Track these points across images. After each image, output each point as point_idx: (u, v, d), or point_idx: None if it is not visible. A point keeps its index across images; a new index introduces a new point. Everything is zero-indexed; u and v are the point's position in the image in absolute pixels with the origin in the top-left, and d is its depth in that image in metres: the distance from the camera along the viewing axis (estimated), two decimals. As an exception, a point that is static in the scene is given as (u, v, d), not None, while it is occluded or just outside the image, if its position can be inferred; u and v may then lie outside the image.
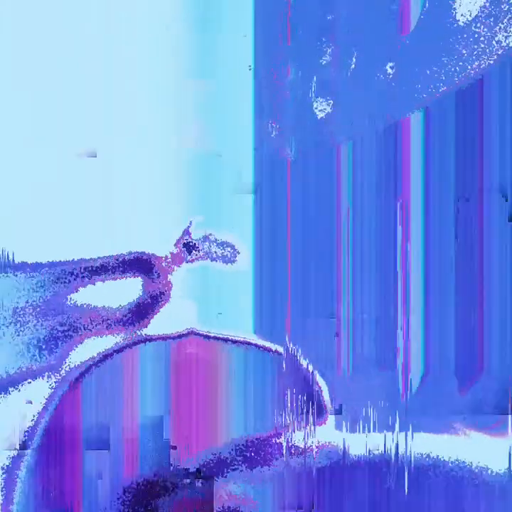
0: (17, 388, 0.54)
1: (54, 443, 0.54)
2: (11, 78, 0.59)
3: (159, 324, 0.56)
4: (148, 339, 0.55)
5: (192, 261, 0.54)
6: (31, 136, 0.59)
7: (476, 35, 0.52)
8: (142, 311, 0.54)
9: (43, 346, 0.54)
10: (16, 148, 0.58)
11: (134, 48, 0.62)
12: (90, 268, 0.54)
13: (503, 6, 0.52)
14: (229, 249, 0.54)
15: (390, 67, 0.54)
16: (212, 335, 0.55)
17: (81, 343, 0.54)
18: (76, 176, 0.58)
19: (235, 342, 0.54)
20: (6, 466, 0.53)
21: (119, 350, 0.54)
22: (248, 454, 0.53)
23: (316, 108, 0.55)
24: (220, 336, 0.54)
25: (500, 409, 0.53)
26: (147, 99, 0.61)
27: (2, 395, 0.54)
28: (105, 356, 0.55)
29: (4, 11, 0.58)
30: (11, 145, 0.59)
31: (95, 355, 0.54)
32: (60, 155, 0.59)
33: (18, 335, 0.54)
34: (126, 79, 0.60)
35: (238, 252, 0.54)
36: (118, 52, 0.60)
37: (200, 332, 0.54)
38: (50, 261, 0.55)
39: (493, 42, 0.52)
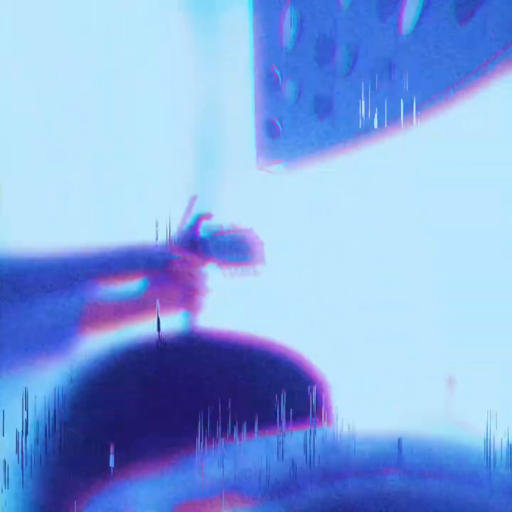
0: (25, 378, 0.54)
1: (58, 434, 0.55)
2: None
3: (165, 323, 0.56)
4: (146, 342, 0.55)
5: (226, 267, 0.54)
6: (33, 130, 0.59)
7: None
8: (148, 308, 0.54)
9: (53, 337, 0.54)
10: (19, 143, 0.58)
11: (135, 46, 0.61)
12: (102, 265, 0.55)
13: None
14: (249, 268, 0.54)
15: (391, 69, 0.54)
16: (215, 331, 0.55)
17: (89, 335, 0.54)
18: (77, 166, 0.58)
19: (239, 338, 0.55)
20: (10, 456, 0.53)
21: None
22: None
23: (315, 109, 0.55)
24: (224, 332, 0.55)
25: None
26: (147, 94, 0.61)
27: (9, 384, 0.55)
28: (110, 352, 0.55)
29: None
30: (15, 141, 0.59)
31: (101, 350, 0.55)
32: (62, 147, 0.59)
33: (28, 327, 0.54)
34: (127, 71, 0.60)
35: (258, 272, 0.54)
36: (119, 49, 0.60)
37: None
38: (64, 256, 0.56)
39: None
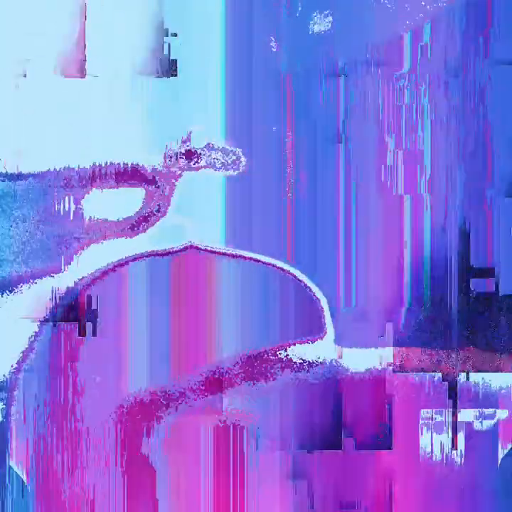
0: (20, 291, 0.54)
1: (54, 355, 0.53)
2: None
3: (155, 237, 0.56)
4: (149, 254, 0.55)
5: (197, 169, 0.55)
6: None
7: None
8: (140, 222, 0.54)
9: (46, 253, 0.54)
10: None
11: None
12: (88, 176, 0.55)
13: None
14: (232, 156, 0.55)
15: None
16: (212, 249, 0.55)
17: (82, 251, 0.54)
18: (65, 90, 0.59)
19: (235, 256, 0.55)
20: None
21: (121, 264, 0.54)
22: (249, 369, 0.53)
23: (313, 24, 0.56)
24: (220, 250, 0.55)
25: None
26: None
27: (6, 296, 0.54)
28: (107, 271, 0.55)
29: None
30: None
31: (98, 269, 0.54)
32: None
33: (20, 240, 0.54)
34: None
35: (241, 160, 0.55)
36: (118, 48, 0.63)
37: (200, 246, 0.55)
38: (48, 169, 0.56)
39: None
